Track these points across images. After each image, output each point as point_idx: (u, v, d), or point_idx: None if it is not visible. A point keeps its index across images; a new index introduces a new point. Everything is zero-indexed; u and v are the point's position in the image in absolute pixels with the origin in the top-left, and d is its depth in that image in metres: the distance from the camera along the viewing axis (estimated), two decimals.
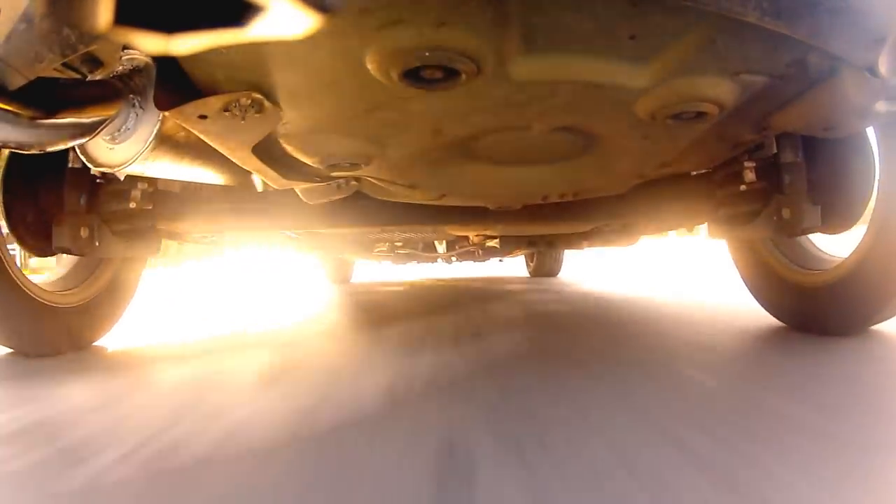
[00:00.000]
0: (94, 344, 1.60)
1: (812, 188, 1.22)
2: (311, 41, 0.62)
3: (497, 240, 2.47)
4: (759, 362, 1.19)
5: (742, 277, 1.71)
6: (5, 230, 1.35)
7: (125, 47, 0.73)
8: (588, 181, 1.30)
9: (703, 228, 1.81)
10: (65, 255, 1.55)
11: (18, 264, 1.41)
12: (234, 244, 2.01)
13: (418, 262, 2.99)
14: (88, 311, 1.56)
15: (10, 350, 1.46)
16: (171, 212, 1.46)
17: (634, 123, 0.89)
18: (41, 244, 1.34)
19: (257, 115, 0.75)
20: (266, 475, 0.64)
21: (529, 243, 2.50)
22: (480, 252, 2.70)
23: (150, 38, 0.57)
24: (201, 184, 1.28)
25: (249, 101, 0.73)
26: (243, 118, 0.75)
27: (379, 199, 1.40)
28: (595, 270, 4.61)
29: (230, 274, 5.94)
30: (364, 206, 1.49)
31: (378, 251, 2.58)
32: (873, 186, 1.21)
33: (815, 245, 1.55)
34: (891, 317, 1.32)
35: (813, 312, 1.42)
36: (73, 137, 0.73)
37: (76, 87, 0.76)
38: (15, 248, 1.54)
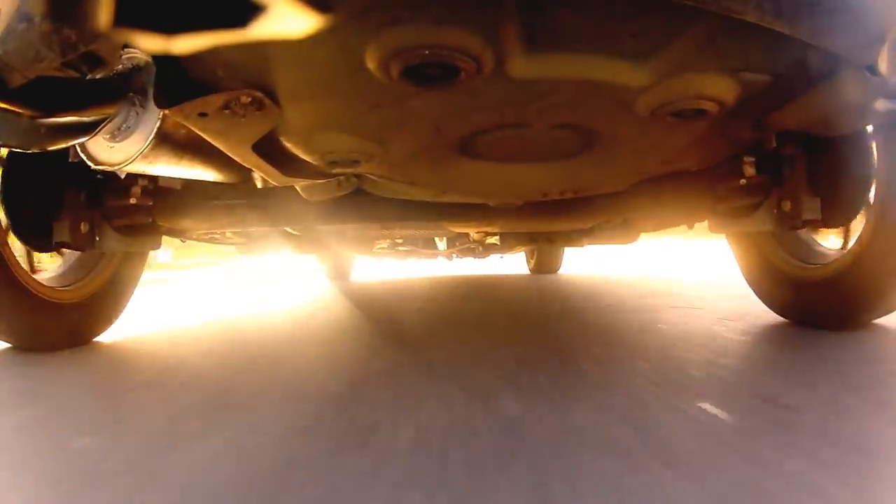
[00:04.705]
0: (95, 340, 1.60)
1: (812, 180, 1.22)
2: (311, 40, 0.62)
3: (497, 236, 2.47)
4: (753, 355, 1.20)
5: (742, 272, 1.71)
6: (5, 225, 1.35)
7: (125, 46, 0.73)
8: (588, 179, 1.30)
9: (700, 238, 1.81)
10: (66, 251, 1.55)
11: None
12: (234, 242, 2.00)
13: (419, 259, 2.99)
14: (89, 307, 1.56)
15: (10, 345, 1.46)
16: (172, 208, 1.45)
17: (635, 121, 0.89)
18: (41, 239, 1.34)
19: (257, 113, 0.75)
20: None
21: (530, 240, 2.50)
22: (481, 248, 2.70)
23: (150, 38, 0.57)
24: (202, 180, 1.28)
25: (250, 99, 0.73)
26: (243, 116, 0.75)
27: (379, 195, 1.40)
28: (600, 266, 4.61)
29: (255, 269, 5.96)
30: (364, 203, 1.48)
31: (378, 248, 2.58)
32: (872, 178, 1.21)
33: (814, 239, 1.55)
34: (893, 310, 1.32)
35: (813, 307, 1.42)
36: (74, 136, 0.74)
37: (76, 86, 0.76)
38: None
